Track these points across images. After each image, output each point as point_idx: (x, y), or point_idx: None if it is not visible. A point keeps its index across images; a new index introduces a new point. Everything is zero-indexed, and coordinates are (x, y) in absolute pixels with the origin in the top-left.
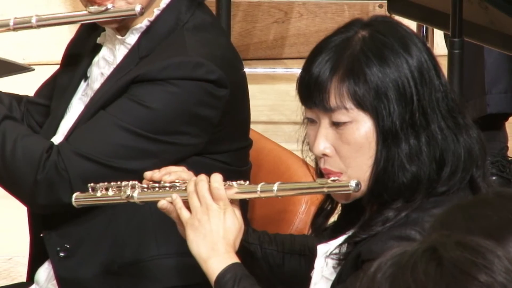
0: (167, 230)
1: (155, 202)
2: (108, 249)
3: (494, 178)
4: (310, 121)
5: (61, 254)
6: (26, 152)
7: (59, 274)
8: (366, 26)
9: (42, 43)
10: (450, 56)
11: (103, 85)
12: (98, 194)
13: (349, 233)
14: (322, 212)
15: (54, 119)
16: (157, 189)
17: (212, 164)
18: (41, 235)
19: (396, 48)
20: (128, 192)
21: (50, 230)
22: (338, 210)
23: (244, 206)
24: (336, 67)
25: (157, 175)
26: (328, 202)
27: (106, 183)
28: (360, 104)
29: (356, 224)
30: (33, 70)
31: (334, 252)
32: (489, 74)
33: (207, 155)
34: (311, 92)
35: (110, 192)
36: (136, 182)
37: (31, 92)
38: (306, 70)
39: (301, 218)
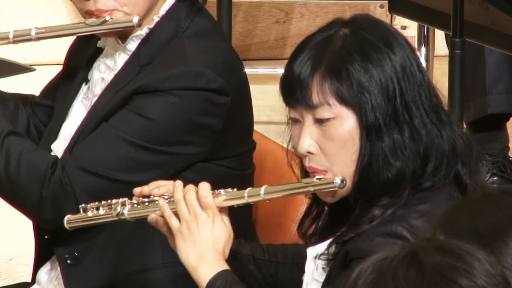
0: None
1: (146, 218)
2: (115, 257)
3: (495, 178)
4: (294, 121)
5: (69, 261)
6: (31, 168)
7: (67, 282)
8: (347, 24)
9: (43, 44)
10: (451, 56)
11: (104, 94)
12: (90, 214)
13: (338, 233)
14: (308, 217)
15: (56, 122)
16: (146, 203)
17: (217, 169)
18: (46, 237)
19: (378, 44)
20: (118, 209)
21: (57, 237)
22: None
23: (247, 211)
24: (317, 64)
25: (146, 189)
26: (314, 206)
27: (96, 203)
28: (343, 100)
29: (343, 223)
30: (34, 70)
31: (323, 252)
32: (490, 75)
33: (212, 161)
34: (293, 90)
35: (101, 211)
36: (126, 199)
37: (32, 91)
38: (288, 69)
39: None
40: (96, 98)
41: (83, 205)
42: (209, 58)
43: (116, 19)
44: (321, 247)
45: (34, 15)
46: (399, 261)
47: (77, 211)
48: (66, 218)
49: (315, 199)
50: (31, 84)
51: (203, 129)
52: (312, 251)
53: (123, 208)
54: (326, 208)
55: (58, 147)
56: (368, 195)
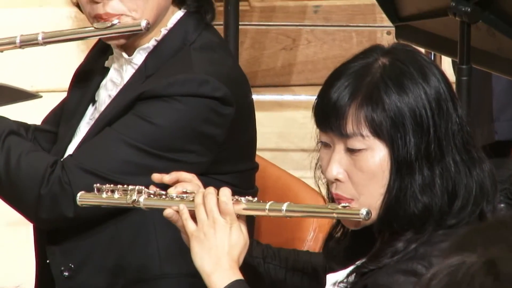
0: (170, 250)
1: (161, 210)
2: (112, 268)
3: (502, 205)
4: (324, 145)
5: (65, 273)
6: (31, 166)
7: None
8: (386, 54)
9: (49, 70)
10: (458, 83)
11: (109, 104)
12: (104, 195)
13: (359, 262)
14: (332, 237)
15: (61, 143)
16: (164, 197)
17: (217, 184)
18: (47, 261)
19: (415, 77)
20: (135, 196)
21: (54, 250)
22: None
23: (250, 223)
24: (355, 93)
25: (166, 178)
26: (339, 227)
27: (112, 185)
28: (377, 132)
29: (366, 252)
30: (41, 97)
31: (342, 280)
32: (497, 101)
33: (212, 175)
34: (328, 116)
35: (116, 195)
36: (143, 188)
37: (39, 118)
38: (324, 94)
39: (309, 245)
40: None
41: (97, 185)
42: (215, 68)
43: (124, 23)
44: (341, 274)
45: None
46: (476, 268)
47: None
48: (79, 194)
49: (340, 221)
50: (38, 111)
51: (205, 139)
52: (332, 278)
53: (139, 196)
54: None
55: None
56: (392, 228)
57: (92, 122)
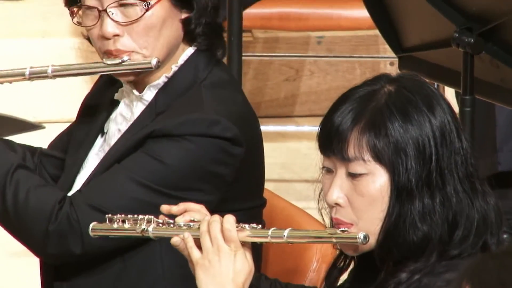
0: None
1: (169, 239)
2: None
3: (505, 236)
4: (327, 170)
5: None
6: (39, 202)
7: None
8: (393, 81)
9: (53, 101)
10: (461, 113)
11: (119, 140)
12: (115, 225)
13: None
14: (336, 268)
15: (69, 174)
16: (172, 225)
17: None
18: None
19: (421, 106)
20: (144, 226)
21: (61, 285)
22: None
23: (257, 253)
24: (358, 118)
25: (174, 209)
26: (341, 258)
27: (123, 215)
28: (378, 157)
29: (370, 283)
30: (44, 128)
31: None
32: (500, 132)
33: (220, 212)
34: (330, 140)
35: (126, 225)
36: (152, 217)
37: None
38: (328, 118)
39: (312, 276)
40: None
41: (109, 215)
42: (225, 107)
43: (135, 60)
44: None
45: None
46: None
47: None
48: (91, 225)
49: (342, 251)
50: (40, 142)
51: (215, 178)
52: None
53: (148, 226)
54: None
55: None
56: (392, 256)
57: (101, 154)
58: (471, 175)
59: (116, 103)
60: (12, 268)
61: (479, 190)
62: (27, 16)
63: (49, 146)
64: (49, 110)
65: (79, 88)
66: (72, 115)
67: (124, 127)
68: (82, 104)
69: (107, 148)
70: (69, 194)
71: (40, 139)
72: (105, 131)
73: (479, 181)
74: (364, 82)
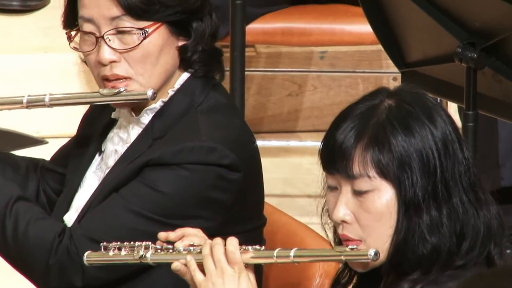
0: None
1: (169, 264)
2: None
3: (508, 251)
4: (331, 188)
5: None
6: (39, 235)
7: None
8: (392, 95)
9: (55, 117)
10: (464, 129)
11: (116, 165)
12: (111, 253)
13: None
14: (339, 283)
15: (68, 193)
16: (170, 251)
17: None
18: None
19: (422, 118)
20: (141, 252)
21: None
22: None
23: (258, 272)
24: (361, 134)
25: (172, 236)
26: (345, 272)
27: (119, 243)
28: (383, 173)
29: None
30: (46, 143)
31: None
32: (503, 147)
33: (222, 236)
34: (334, 158)
35: (123, 252)
36: (150, 243)
37: None
38: (330, 136)
39: None
40: (109, 170)
41: (104, 243)
42: (221, 134)
43: (131, 91)
44: None
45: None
46: None
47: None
48: (86, 254)
49: (346, 265)
50: (43, 157)
51: (214, 204)
52: None
53: (146, 252)
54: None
55: (71, 218)
56: (401, 269)
57: (98, 173)
58: (474, 185)
59: (114, 122)
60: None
61: (483, 199)
62: (29, 31)
63: (51, 159)
64: (52, 125)
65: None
66: (74, 130)
67: (121, 148)
68: (81, 121)
69: (104, 167)
70: (68, 214)
71: (43, 154)
72: (103, 150)
73: (482, 190)
74: (363, 97)
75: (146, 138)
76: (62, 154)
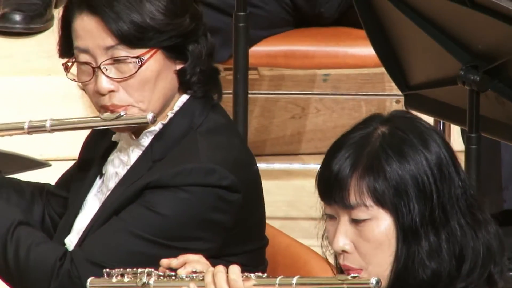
0: None
1: None
2: None
3: (510, 274)
4: (330, 217)
5: None
6: (40, 260)
7: None
8: (385, 122)
9: (59, 139)
10: (467, 151)
11: (116, 188)
12: (114, 280)
13: None
14: None
15: (69, 215)
16: (173, 277)
17: (228, 266)
18: None
19: (415, 144)
20: (144, 279)
21: None
22: None
23: None
24: (356, 164)
25: (174, 263)
26: None
27: (121, 269)
28: (380, 201)
29: None
30: (49, 165)
31: None
32: (506, 170)
33: (223, 257)
34: (331, 188)
35: (126, 279)
36: (152, 270)
37: None
38: (325, 166)
39: None
40: (109, 192)
41: (107, 270)
42: (221, 155)
43: (131, 115)
44: None
45: (50, 112)
46: None
47: None
48: (89, 280)
49: None
50: (47, 179)
51: (214, 226)
52: None
53: (149, 279)
54: None
55: (72, 241)
56: None
57: (99, 195)
58: (471, 206)
59: (114, 145)
60: None
61: (481, 220)
62: (31, 54)
63: (55, 184)
64: (55, 148)
65: None
66: (78, 153)
67: (121, 170)
68: (83, 144)
69: (105, 190)
70: (69, 237)
71: (46, 177)
72: (104, 172)
73: (480, 210)
74: (357, 126)
75: (146, 160)
76: (66, 178)
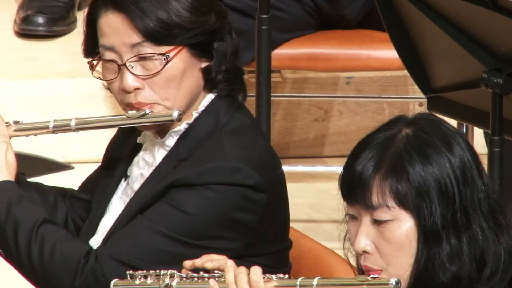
0: None
1: None
2: None
3: None
4: (352, 217)
5: None
6: (64, 257)
7: None
8: (410, 124)
9: (81, 142)
10: (490, 154)
11: (142, 188)
12: (137, 282)
13: None
14: None
15: (94, 217)
16: (196, 279)
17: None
18: None
19: (439, 147)
20: (167, 281)
21: None
22: None
23: None
24: (379, 164)
25: (198, 262)
26: None
27: (144, 271)
28: (402, 203)
29: None
30: (72, 168)
31: None
32: None
33: (247, 257)
34: (353, 189)
35: (149, 281)
36: (175, 271)
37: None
38: (349, 166)
39: None
40: (134, 193)
41: (130, 271)
42: (246, 154)
43: (156, 113)
44: None
45: (73, 114)
46: None
47: None
48: (113, 282)
49: None
50: (69, 182)
51: (238, 225)
52: None
53: (172, 280)
54: None
55: (96, 243)
56: None
57: (124, 198)
58: (494, 211)
59: (139, 147)
60: None
61: (503, 224)
62: (55, 56)
63: (79, 188)
64: (78, 150)
65: (107, 129)
66: (100, 156)
67: (146, 171)
68: (107, 148)
69: (130, 192)
70: (93, 238)
71: (69, 179)
72: (128, 174)
73: (503, 215)
74: (382, 127)
75: (171, 160)
76: (89, 182)
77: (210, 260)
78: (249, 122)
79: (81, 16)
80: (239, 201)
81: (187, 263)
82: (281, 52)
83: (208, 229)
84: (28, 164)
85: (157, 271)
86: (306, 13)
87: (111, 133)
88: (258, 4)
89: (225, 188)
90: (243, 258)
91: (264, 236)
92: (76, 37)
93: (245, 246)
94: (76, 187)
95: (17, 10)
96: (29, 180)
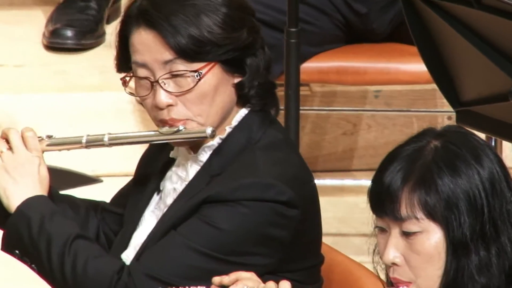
0: None
1: None
2: None
3: None
4: (381, 230)
5: None
6: (97, 273)
7: None
8: (438, 136)
9: (111, 155)
10: None
11: (174, 203)
12: None
13: None
14: None
15: (126, 231)
16: None
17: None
18: None
19: (468, 159)
20: None
21: None
22: None
23: None
24: (407, 176)
25: (226, 280)
26: None
27: None
28: (431, 214)
29: None
30: (101, 181)
31: None
32: None
33: (279, 273)
34: (382, 201)
35: None
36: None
37: None
38: (377, 178)
39: None
40: (167, 208)
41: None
42: (279, 170)
43: (190, 129)
44: None
45: (102, 128)
46: None
47: None
48: None
49: None
50: (99, 196)
51: (272, 241)
52: None
53: None
54: None
55: (128, 257)
56: None
57: (157, 212)
58: None
59: (172, 161)
60: None
61: None
62: (84, 70)
63: (110, 201)
64: (107, 164)
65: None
66: (130, 169)
67: (179, 186)
68: (139, 161)
69: (163, 206)
70: (125, 252)
71: (98, 193)
72: (161, 189)
73: None
74: (410, 139)
75: (204, 175)
76: (121, 195)
77: (237, 278)
78: (282, 137)
79: (109, 29)
80: (272, 217)
81: (216, 280)
82: (309, 66)
83: (241, 245)
84: (58, 177)
85: (188, 287)
86: (335, 27)
87: (140, 147)
88: (287, 18)
89: (258, 204)
90: (275, 274)
91: (297, 252)
92: (104, 51)
93: (278, 262)
94: (105, 200)
95: (45, 24)
96: (61, 193)
